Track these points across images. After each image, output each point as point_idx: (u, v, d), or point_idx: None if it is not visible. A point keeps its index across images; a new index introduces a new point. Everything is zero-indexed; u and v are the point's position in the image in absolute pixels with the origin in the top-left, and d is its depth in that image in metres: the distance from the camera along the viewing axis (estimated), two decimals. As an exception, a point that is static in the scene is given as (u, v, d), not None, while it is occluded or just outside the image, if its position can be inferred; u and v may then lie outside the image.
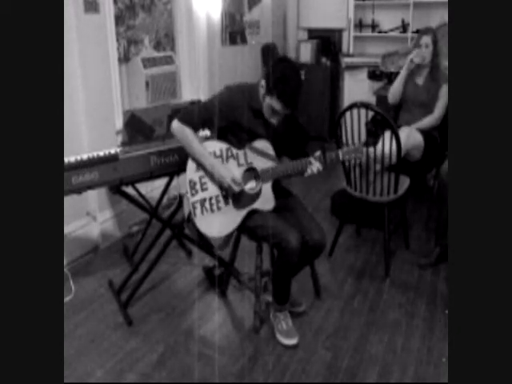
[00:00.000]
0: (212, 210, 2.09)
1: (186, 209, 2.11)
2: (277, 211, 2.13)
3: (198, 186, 2.09)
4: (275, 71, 1.96)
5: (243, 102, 2.07)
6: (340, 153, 2.07)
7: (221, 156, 2.08)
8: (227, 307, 2.51)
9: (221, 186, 2.09)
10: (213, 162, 2.05)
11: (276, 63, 2.00)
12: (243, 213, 2.11)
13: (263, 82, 2.01)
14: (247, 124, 2.08)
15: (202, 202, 2.08)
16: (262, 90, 2.03)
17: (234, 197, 2.10)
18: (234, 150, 2.10)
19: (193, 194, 2.07)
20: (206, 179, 2.10)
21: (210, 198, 2.09)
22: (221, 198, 2.11)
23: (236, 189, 2.05)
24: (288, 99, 1.96)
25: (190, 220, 2.11)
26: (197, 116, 2.08)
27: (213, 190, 2.10)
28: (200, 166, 2.08)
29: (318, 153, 2.06)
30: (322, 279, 2.64)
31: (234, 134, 2.10)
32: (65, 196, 2.07)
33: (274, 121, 2.05)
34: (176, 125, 2.11)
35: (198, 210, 2.07)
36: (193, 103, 2.41)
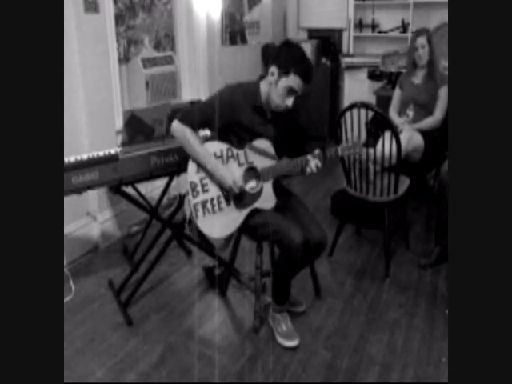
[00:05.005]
0: (214, 211, 2.09)
1: (187, 210, 2.11)
2: (278, 210, 2.13)
3: (199, 188, 2.08)
4: (289, 52, 2.02)
5: (244, 100, 2.07)
6: (339, 149, 2.12)
7: (221, 157, 2.08)
8: (227, 307, 2.51)
9: (222, 187, 2.09)
10: (214, 163, 2.05)
11: (284, 46, 2.06)
12: (245, 212, 2.11)
13: (274, 68, 2.02)
14: (248, 122, 2.08)
15: (204, 203, 2.08)
16: (271, 78, 2.03)
17: (235, 197, 2.11)
18: (235, 150, 2.09)
19: (194, 196, 2.07)
20: (206, 180, 2.09)
21: (212, 199, 2.09)
22: (222, 199, 2.10)
23: (237, 190, 2.05)
24: (307, 75, 2.02)
25: (191, 222, 2.11)
26: (197, 116, 2.07)
27: (214, 191, 2.10)
28: (201, 166, 2.08)
29: (316, 151, 2.10)
30: (321, 279, 2.64)
31: (235, 133, 2.10)
32: (65, 196, 2.07)
33: (289, 103, 2.05)
34: (176, 125, 2.09)
35: (200, 212, 2.07)
36: (193, 103, 2.40)
